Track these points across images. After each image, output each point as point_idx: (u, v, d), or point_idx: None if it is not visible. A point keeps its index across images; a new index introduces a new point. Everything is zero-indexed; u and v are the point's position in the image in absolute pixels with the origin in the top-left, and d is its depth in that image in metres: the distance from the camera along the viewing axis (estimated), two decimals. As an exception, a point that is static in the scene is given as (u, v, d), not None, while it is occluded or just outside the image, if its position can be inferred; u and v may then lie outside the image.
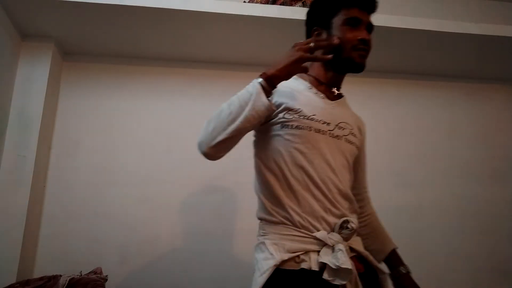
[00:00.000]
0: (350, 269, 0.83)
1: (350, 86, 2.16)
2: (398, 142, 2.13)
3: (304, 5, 1.80)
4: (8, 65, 1.67)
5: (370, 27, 1.07)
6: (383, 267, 1.09)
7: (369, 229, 1.17)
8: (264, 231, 0.96)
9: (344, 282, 0.83)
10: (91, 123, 1.88)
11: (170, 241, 1.78)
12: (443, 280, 1.95)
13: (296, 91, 1.03)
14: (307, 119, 0.97)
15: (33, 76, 1.73)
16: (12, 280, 1.48)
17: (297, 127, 0.96)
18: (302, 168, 0.94)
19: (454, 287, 1.95)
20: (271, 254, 0.88)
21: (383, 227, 1.20)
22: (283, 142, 0.97)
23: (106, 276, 1.48)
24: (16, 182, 1.61)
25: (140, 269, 1.73)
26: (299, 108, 0.98)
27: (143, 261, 1.75)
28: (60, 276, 1.41)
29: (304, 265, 0.86)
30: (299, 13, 1.72)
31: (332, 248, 0.87)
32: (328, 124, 1.00)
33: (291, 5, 1.80)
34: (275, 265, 0.85)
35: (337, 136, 1.01)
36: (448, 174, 2.12)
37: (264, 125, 1.00)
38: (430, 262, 1.97)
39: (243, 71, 2.02)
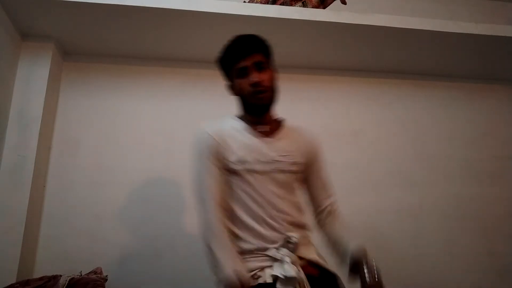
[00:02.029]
0: (294, 277, 1.00)
1: (350, 86, 2.18)
2: (398, 142, 2.13)
3: (304, 5, 1.80)
4: (8, 65, 1.67)
5: (259, 65, 1.17)
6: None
7: (329, 238, 1.24)
8: None
9: None
10: (91, 123, 1.88)
11: (170, 241, 1.78)
12: (443, 280, 1.95)
13: (235, 135, 1.18)
14: (247, 163, 1.13)
15: (33, 76, 1.73)
16: (12, 280, 1.48)
17: (240, 173, 1.13)
18: (248, 206, 1.12)
19: (454, 287, 1.95)
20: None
21: (341, 235, 1.21)
22: (230, 186, 1.15)
23: (106, 276, 1.48)
24: (16, 182, 1.61)
25: (140, 269, 1.73)
26: (240, 155, 1.14)
27: (143, 261, 1.75)
28: (60, 276, 1.41)
29: (260, 280, 1.04)
30: (299, 13, 1.72)
31: (281, 261, 1.04)
32: (267, 162, 1.15)
33: (291, 5, 1.80)
34: None
35: (278, 170, 1.16)
36: (448, 174, 2.12)
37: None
38: (430, 262, 1.97)
39: (243, 71, 2.02)
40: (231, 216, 1.13)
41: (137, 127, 1.91)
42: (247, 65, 1.16)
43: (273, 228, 1.10)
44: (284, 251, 1.06)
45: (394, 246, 1.96)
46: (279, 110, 1.89)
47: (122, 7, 1.60)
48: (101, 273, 1.48)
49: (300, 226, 1.17)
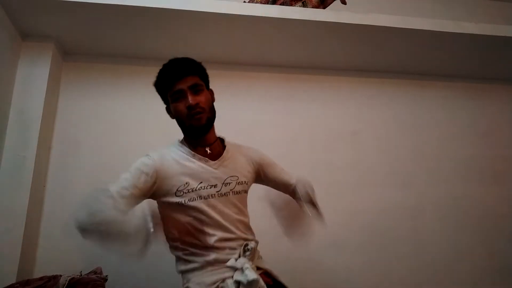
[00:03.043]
0: (257, 279, 1.06)
1: (350, 86, 2.18)
2: (397, 142, 2.13)
3: (304, 5, 1.80)
4: (8, 65, 1.67)
5: (195, 87, 1.19)
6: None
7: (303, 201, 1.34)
8: (186, 280, 1.16)
9: None
10: (91, 122, 1.88)
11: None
12: (443, 280, 1.95)
13: (180, 164, 1.19)
14: (195, 190, 1.15)
15: (33, 76, 1.73)
16: (12, 280, 1.48)
17: (189, 201, 1.14)
18: (202, 231, 1.15)
19: (454, 287, 1.95)
20: None
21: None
22: (182, 215, 1.16)
23: (106, 276, 1.48)
24: (16, 182, 1.61)
25: (140, 269, 1.73)
26: (187, 183, 1.15)
27: (143, 261, 1.75)
28: (60, 276, 1.41)
29: None
30: (299, 13, 1.72)
31: (242, 269, 1.09)
32: (215, 186, 1.18)
33: (291, 5, 1.80)
34: None
35: (225, 194, 1.19)
36: (448, 174, 2.12)
37: (160, 203, 1.19)
38: (430, 262, 1.97)
39: (243, 71, 2.02)
40: (182, 240, 1.18)
41: (137, 127, 1.91)
42: (183, 88, 1.17)
43: (226, 246, 1.15)
44: (243, 260, 1.12)
45: (394, 246, 1.96)
46: (279, 110, 1.89)
47: (122, 7, 1.60)
48: (101, 273, 1.48)
49: (251, 241, 1.21)
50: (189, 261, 1.16)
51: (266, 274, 1.19)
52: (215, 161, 1.22)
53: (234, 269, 1.11)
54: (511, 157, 2.22)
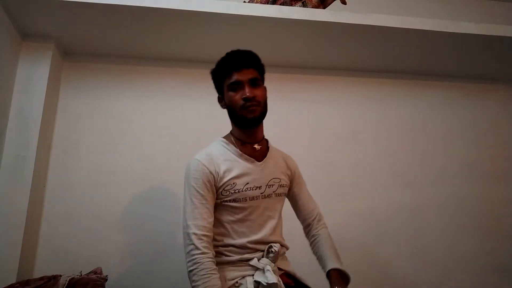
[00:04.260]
0: (276, 283, 1.07)
1: (350, 86, 2.18)
2: (397, 142, 2.13)
3: (304, 5, 1.80)
4: (8, 65, 1.67)
5: (254, 81, 1.19)
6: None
7: (316, 250, 1.31)
8: None
9: None
10: (91, 123, 1.88)
11: (170, 241, 1.78)
12: (443, 280, 1.95)
13: (228, 161, 1.20)
14: (242, 191, 1.17)
15: (33, 76, 1.73)
16: (12, 280, 1.48)
17: (234, 201, 1.17)
18: (242, 232, 1.17)
19: (454, 286, 1.95)
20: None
21: (329, 247, 1.29)
22: (224, 214, 1.18)
23: (106, 276, 1.48)
24: (16, 182, 1.61)
25: (140, 269, 1.73)
26: (234, 183, 1.17)
27: (143, 261, 1.75)
28: (60, 276, 1.41)
29: (241, 287, 1.10)
30: (299, 13, 1.72)
31: (263, 270, 1.11)
32: (260, 187, 1.20)
33: (291, 5, 1.80)
34: None
35: (268, 195, 1.22)
36: (448, 174, 2.12)
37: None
38: (430, 262, 1.97)
39: (243, 71, 2.02)
40: (218, 237, 1.18)
41: (137, 127, 1.91)
42: (242, 79, 1.18)
43: (256, 249, 1.16)
44: (265, 260, 1.13)
45: (394, 245, 1.96)
46: (279, 110, 1.90)
47: (122, 7, 1.59)
48: (101, 273, 1.48)
49: (280, 243, 1.22)
50: (217, 256, 1.16)
51: (288, 275, 1.20)
52: (261, 162, 1.23)
53: (256, 268, 1.13)
54: (511, 157, 2.22)
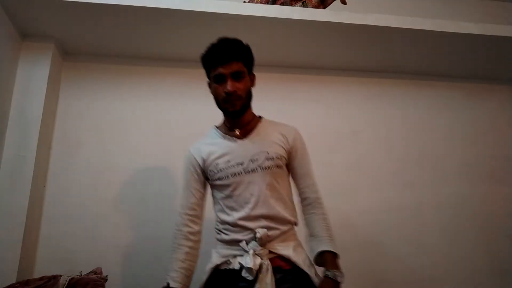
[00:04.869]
0: (250, 268, 1.12)
1: (350, 86, 2.18)
2: (397, 142, 2.13)
3: (304, 5, 1.80)
4: (8, 65, 1.67)
5: (237, 74, 1.23)
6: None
7: (308, 229, 1.28)
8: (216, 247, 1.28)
9: (251, 277, 1.12)
10: (91, 122, 1.88)
11: (170, 241, 1.78)
12: (443, 280, 1.95)
13: (212, 144, 1.30)
14: (224, 170, 1.24)
15: (33, 76, 1.73)
16: (12, 280, 1.48)
17: (219, 179, 1.25)
18: (227, 206, 1.24)
19: (454, 287, 1.95)
20: (211, 260, 1.24)
21: (322, 227, 1.25)
22: (217, 193, 1.28)
23: (106, 276, 1.48)
24: (16, 182, 1.61)
25: (140, 269, 1.73)
26: (217, 163, 1.25)
27: (143, 261, 1.75)
28: (60, 276, 1.41)
29: (230, 266, 1.19)
30: (299, 13, 1.72)
31: (248, 253, 1.16)
32: (241, 164, 1.23)
33: (291, 5, 1.80)
34: (212, 267, 1.22)
35: (252, 170, 1.23)
36: (448, 174, 2.12)
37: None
38: (430, 261, 1.97)
39: (243, 71, 2.02)
40: (218, 214, 1.28)
41: (137, 127, 1.91)
42: (224, 73, 1.22)
43: (246, 227, 1.20)
44: (253, 244, 1.17)
45: (394, 245, 1.96)
46: (279, 110, 1.89)
47: (122, 7, 1.60)
48: (101, 273, 1.49)
49: (280, 221, 1.22)
50: (218, 233, 1.26)
51: (282, 258, 1.19)
52: (243, 139, 1.27)
53: (244, 250, 1.17)
54: (511, 157, 2.22)
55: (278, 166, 1.26)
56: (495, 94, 2.31)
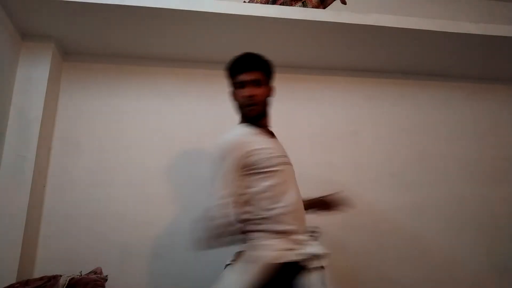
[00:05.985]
0: (325, 253, 1.17)
1: (350, 86, 2.18)
2: (397, 142, 2.13)
3: (304, 5, 1.80)
4: (8, 65, 1.67)
5: (256, 82, 1.32)
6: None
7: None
8: (254, 239, 1.23)
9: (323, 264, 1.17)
10: (91, 122, 1.88)
11: (170, 241, 1.78)
12: (442, 280, 1.95)
13: (254, 134, 1.32)
14: (281, 156, 1.30)
15: (33, 76, 1.73)
16: (12, 280, 1.48)
17: (279, 164, 1.27)
18: (287, 193, 1.25)
19: (454, 287, 1.95)
20: (259, 254, 1.18)
21: None
22: (269, 181, 1.25)
23: (106, 276, 1.48)
24: (16, 182, 1.61)
25: (140, 269, 1.73)
26: (271, 152, 1.28)
27: (143, 261, 1.75)
28: (60, 276, 1.41)
29: (284, 259, 1.15)
30: (299, 13, 1.72)
31: (309, 244, 1.21)
32: (282, 156, 1.31)
33: (291, 5, 1.80)
34: (270, 263, 1.15)
35: (289, 163, 1.35)
36: (448, 174, 2.12)
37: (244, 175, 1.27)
38: (429, 262, 1.97)
39: (243, 71, 2.02)
40: (268, 198, 1.23)
41: (137, 127, 1.91)
42: (245, 79, 1.32)
43: (302, 218, 1.28)
44: (308, 237, 1.24)
45: (394, 246, 1.96)
46: (279, 110, 1.90)
47: (122, 7, 1.60)
48: (101, 273, 1.49)
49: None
50: (260, 223, 1.21)
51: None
52: (274, 138, 1.39)
53: (301, 243, 1.20)
54: (511, 157, 2.22)
55: None
56: (495, 94, 2.31)
